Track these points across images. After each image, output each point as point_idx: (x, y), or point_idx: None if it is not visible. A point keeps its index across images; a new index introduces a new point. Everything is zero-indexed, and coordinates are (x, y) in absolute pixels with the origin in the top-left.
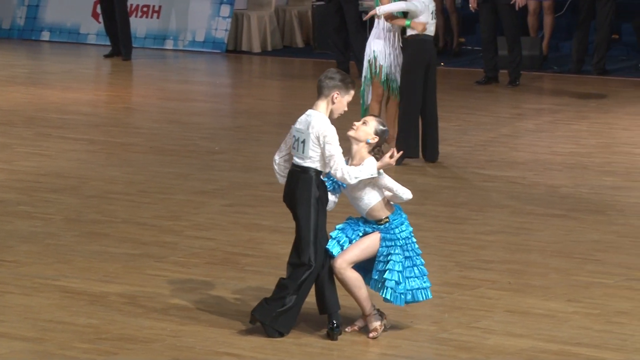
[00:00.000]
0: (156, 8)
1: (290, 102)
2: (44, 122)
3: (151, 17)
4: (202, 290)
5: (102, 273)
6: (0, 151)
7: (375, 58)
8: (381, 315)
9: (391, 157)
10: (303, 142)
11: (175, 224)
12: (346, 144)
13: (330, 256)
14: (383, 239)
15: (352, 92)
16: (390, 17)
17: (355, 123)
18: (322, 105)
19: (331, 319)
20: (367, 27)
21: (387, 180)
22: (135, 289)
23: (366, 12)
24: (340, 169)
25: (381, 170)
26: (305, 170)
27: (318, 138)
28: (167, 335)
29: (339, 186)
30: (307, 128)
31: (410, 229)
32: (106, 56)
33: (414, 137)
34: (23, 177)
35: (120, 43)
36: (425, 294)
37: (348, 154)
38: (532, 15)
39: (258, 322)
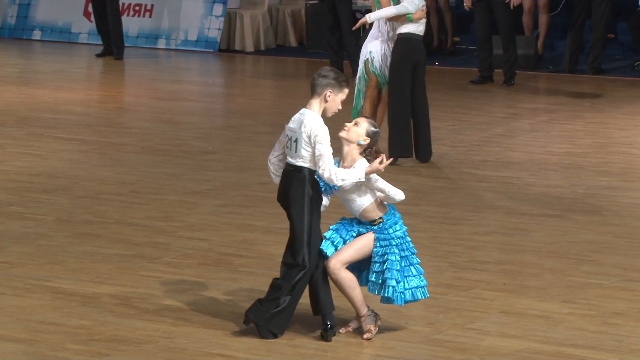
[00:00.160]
0: (148, 7)
1: (283, 102)
2: (35, 122)
3: (143, 16)
4: (195, 291)
5: (95, 274)
6: None
7: (372, 59)
8: (375, 316)
9: (381, 163)
10: (295, 141)
11: (168, 224)
12: (338, 144)
13: (324, 257)
14: (377, 239)
15: (346, 91)
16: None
17: (347, 124)
18: (315, 104)
19: (325, 320)
20: (361, 26)
21: (379, 182)
22: (128, 290)
23: (360, 11)
24: (328, 169)
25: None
26: (299, 169)
27: (310, 137)
28: (160, 336)
29: (330, 188)
30: (299, 127)
31: (404, 228)
32: (98, 55)
33: (406, 137)
34: (15, 177)
35: (112, 42)
36: (423, 292)
37: (339, 154)
38: (527, 14)
39: (252, 323)
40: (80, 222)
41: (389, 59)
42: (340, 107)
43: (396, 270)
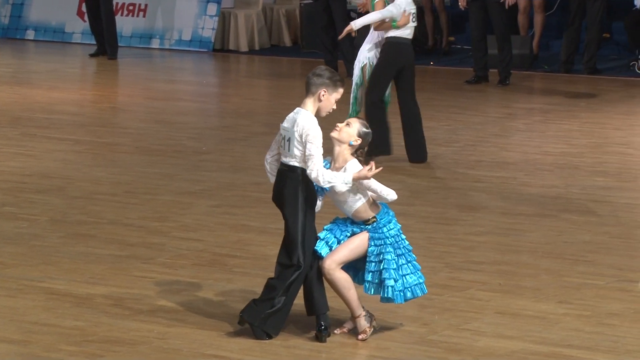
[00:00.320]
0: (142, 6)
1: (277, 102)
2: (29, 122)
3: (137, 16)
4: (190, 292)
5: (88, 275)
6: None
7: (371, 65)
8: (370, 317)
9: (369, 170)
10: (289, 140)
11: (162, 225)
12: (330, 144)
13: (318, 257)
14: (372, 239)
15: (341, 91)
16: (376, 24)
17: (338, 124)
18: (309, 103)
19: (319, 321)
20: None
21: (372, 182)
22: (122, 290)
23: (354, 10)
24: (316, 170)
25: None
26: (292, 169)
27: (301, 136)
28: (154, 337)
29: (322, 189)
30: (292, 126)
31: (399, 225)
32: (92, 55)
33: (383, 135)
34: (8, 177)
35: (105, 42)
36: (422, 288)
37: (331, 155)
38: (522, 14)
39: (246, 323)
40: (74, 223)
41: None
42: (334, 107)
43: (393, 270)
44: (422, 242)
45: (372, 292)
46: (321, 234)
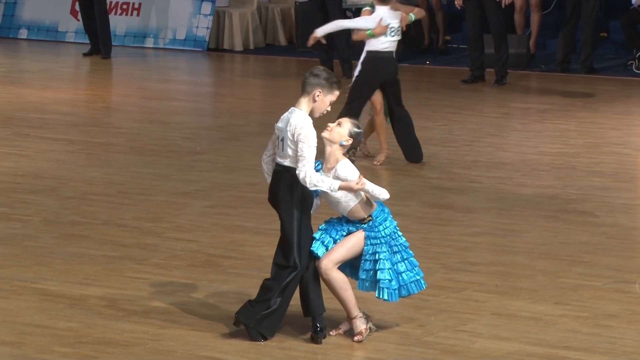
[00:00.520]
0: (136, 5)
1: (272, 101)
2: (22, 121)
3: (131, 15)
4: (184, 293)
5: (82, 275)
6: None
7: None
8: (367, 318)
9: (357, 183)
10: (282, 140)
11: (156, 225)
12: (321, 144)
13: (315, 257)
14: (367, 237)
15: (337, 93)
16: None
17: (330, 124)
18: (304, 103)
19: (315, 322)
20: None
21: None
22: (116, 291)
23: (350, 9)
24: (304, 171)
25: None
26: (287, 169)
27: (294, 135)
28: (148, 338)
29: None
30: (286, 126)
31: (395, 223)
32: (85, 54)
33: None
34: (1, 178)
35: (99, 41)
36: (418, 285)
37: (322, 155)
38: (518, 13)
39: (242, 324)
40: (68, 223)
41: None
42: (329, 109)
43: (387, 269)
44: (418, 243)
45: (366, 290)
46: (316, 234)
